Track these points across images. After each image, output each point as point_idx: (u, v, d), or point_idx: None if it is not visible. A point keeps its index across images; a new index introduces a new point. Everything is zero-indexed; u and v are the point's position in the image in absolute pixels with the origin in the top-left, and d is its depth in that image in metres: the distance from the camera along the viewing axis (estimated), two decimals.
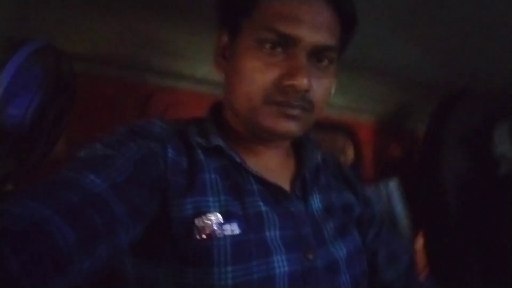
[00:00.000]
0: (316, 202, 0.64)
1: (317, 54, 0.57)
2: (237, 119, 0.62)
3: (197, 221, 0.50)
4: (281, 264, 0.53)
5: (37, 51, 0.81)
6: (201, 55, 1.21)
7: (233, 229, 0.51)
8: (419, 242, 1.61)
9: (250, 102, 0.57)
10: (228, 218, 0.52)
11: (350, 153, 1.75)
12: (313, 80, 0.56)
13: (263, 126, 0.57)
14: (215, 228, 0.50)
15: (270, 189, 0.59)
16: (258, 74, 0.56)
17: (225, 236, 0.50)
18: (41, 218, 0.35)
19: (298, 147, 0.70)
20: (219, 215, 0.52)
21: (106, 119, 1.09)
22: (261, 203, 0.57)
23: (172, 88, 1.25)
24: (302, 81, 0.53)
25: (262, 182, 0.59)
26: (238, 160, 0.59)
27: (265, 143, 0.64)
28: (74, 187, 0.41)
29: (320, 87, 0.58)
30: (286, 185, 0.62)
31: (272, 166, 0.64)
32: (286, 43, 0.55)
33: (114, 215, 0.42)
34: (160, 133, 0.56)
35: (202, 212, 0.51)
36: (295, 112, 0.56)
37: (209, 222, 0.51)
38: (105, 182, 0.44)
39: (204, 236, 0.50)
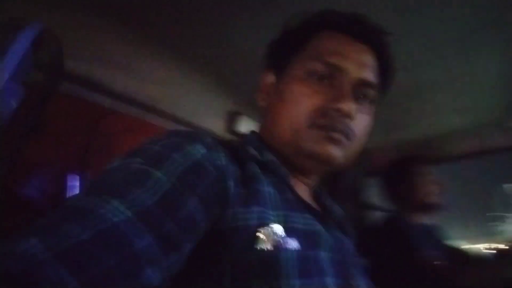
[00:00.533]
0: (351, 242, 0.66)
1: (359, 90, 0.61)
2: (278, 148, 0.63)
3: (262, 231, 0.48)
4: (332, 286, 0.52)
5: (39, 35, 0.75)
6: (168, 85, 1.27)
7: (294, 243, 0.50)
8: None
9: (295, 126, 0.59)
10: (289, 232, 0.50)
11: None
12: (357, 113, 0.59)
13: (306, 150, 0.58)
14: (280, 239, 0.48)
15: (316, 214, 0.60)
16: (305, 99, 0.59)
17: (289, 249, 0.48)
18: (40, 261, 0.30)
19: (316, 198, 0.71)
20: (281, 228, 0.50)
21: (56, 135, 1.00)
22: (316, 222, 0.57)
23: (126, 113, 1.22)
24: (347, 105, 0.56)
25: (308, 206, 0.60)
26: (289, 182, 0.59)
27: (304, 172, 0.64)
28: (87, 218, 0.35)
29: (362, 121, 0.61)
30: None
31: (306, 199, 0.64)
32: (333, 74, 0.59)
33: (134, 251, 0.35)
34: (210, 141, 0.53)
35: (265, 223, 0.49)
36: (338, 136, 0.58)
37: (275, 233, 0.49)
38: (130, 209, 0.37)
39: (270, 247, 0.47)
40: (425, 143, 1.92)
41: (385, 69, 0.67)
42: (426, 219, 1.60)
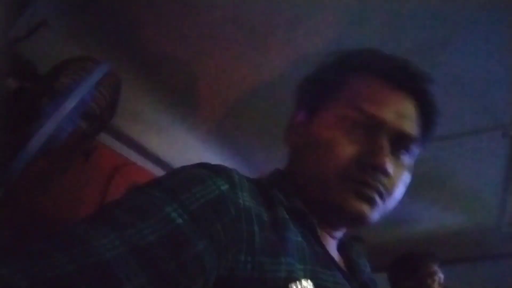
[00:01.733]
0: None
1: (398, 143, 0.55)
2: (304, 194, 0.57)
3: (292, 286, 0.42)
4: None
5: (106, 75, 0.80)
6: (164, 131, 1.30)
7: None
8: None
9: (325, 175, 0.53)
10: None
11: None
12: (394, 169, 0.54)
13: (335, 203, 0.53)
14: None
15: (343, 273, 0.54)
16: (337, 147, 0.53)
17: None
18: None
19: (343, 247, 0.65)
20: (312, 285, 0.44)
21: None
22: (346, 282, 0.51)
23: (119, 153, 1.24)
24: (384, 161, 0.51)
25: (336, 263, 0.55)
26: (318, 232, 0.54)
27: (329, 224, 0.59)
28: (78, 249, 0.32)
29: (398, 177, 0.56)
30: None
31: (332, 253, 0.58)
32: (370, 124, 0.54)
33: None
34: (236, 177, 0.47)
35: (295, 277, 0.43)
36: (372, 194, 0.52)
37: None
38: (126, 244, 0.33)
39: None
40: (424, 244, 1.92)
41: (427, 119, 0.61)
42: None
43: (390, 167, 0.52)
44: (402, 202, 1.67)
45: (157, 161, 1.37)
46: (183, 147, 1.39)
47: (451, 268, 1.90)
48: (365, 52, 0.62)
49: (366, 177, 0.52)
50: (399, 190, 0.57)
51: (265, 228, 0.45)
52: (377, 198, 0.53)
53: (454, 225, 1.85)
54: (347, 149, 0.53)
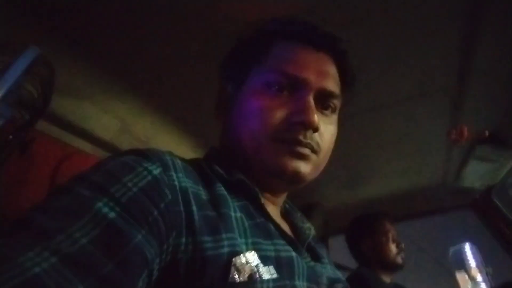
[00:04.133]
0: (324, 268, 0.61)
1: (322, 100, 0.58)
2: (241, 165, 0.58)
3: (235, 261, 0.42)
4: None
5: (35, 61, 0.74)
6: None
7: (271, 272, 0.45)
8: None
9: (258, 141, 0.55)
10: (263, 260, 0.45)
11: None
12: (321, 125, 0.56)
13: (271, 166, 0.54)
14: (255, 269, 0.43)
15: (288, 239, 0.55)
16: (266, 112, 0.55)
17: (266, 279, 0.43)
18: None
19: (285, 215, 0.67)
20: (257, 256, 0.45)
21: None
22: (289, 248, 0.52)
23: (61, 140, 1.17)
24: (312, 118, 0.53)
25: (280, 230, 0.55)
26: (262, 200, 0.55)
27: (271, 190, 0.60)
28: (4, 269, 0.28)
29: (326, 132, 0.58)
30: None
31: (276, 220, 0.58)
32: (294, 85, 0.56)
33: None
34: (168, 158, 0.47)
35: (237, 251, 0.43)
36: (305, 150, 0.54)
37: (249, 262, 0.43)
38: (57, 254, 0.31)
39: (245, 278, 0.42)
40: (377, 203, 2.03)
41: (346, 77, 0.65)
42: (388, 277, 1.64)
43: (317, 122, 0.54)
44: (355, 166, 1.72)
45: (108, 147, 1.31)
46: (136, 130, 1.34)
47: (404, 224, 2.03)
48: (283, 19, 0.63)
49: (297, 136, 0.54)
50: (329, 144, 0.60)
51: (203, 206, 0.45)
52: (310, 154, 0.55)
53: (405, 184, 1.96)
54: (275, 113, 0.55)
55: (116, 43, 0.95)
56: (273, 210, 0.60)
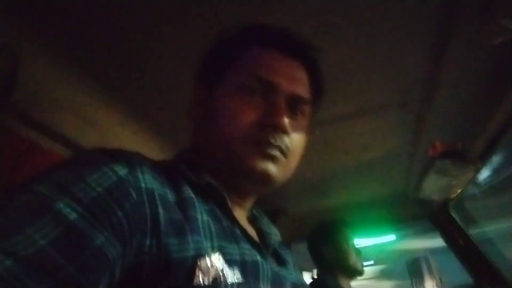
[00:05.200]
0: (288, 273, 0.62)
1: (292, 105, 0.60)
2: (212, 167, 0.58)
3: (200, 263, 0.42)
4: None
5: None
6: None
7: (236, 275, 0.45)
8: None
9: (228, 142, 0.55)
10: (228, 263, 0.45)
11: None
12: (291, 128, 0.57)
13: (241, 166, 0.55)
14: (220, 272, 0.43)
15: (253, 244, 0.56)
16: (238, 113, 0.56)
17: (230, 283, 0.43)
18: None
19: (253, 220, 0.68)
20: (222, 259, 0.45)
21: None
22: (255, 252, 0.53)
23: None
24: (282, 120, 0.55)
25: (246, 234, 0.56)
26: (229, 205, 0.55)
27: (240, 193, 0.60)
28: None
29: (296, 136, 0.60)
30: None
31: (243, 224, 0.59)
32: (266, 89, 0.57)
33: None
34: (136, 159, 0.47)
35: (203, 254, 0.43)
36: (274, 152, 0.55)
37: (214, 265, 0.43)
38: (12, 256, 0.30)
39: (209, 281, 0.42)
40: (340, 212, 2.07)
41: (316, 85, 0.66)
42: (348, 283, 1.68)
43: (287, 124, 0.56)
44: (321, 175, 1.74)
45: (71, 145, 1.26)
46: (102, 129, 1.30)
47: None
48: (256, 26, 0.65)
49: (267, 137, 0.55)
50: (298, 149, 0.61)
51: (170, 209, 0.45)
52: (280, 156, 0.56)
53: (367, 194, 2.01)
54: (247, 115, 0.56)
55: (84, 35, 0.92)
56: (240, 215, 0.61)
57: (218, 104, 0.59)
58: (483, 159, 1.50)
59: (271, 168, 0.55)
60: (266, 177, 0.56)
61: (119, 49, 0.96)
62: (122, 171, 0.42)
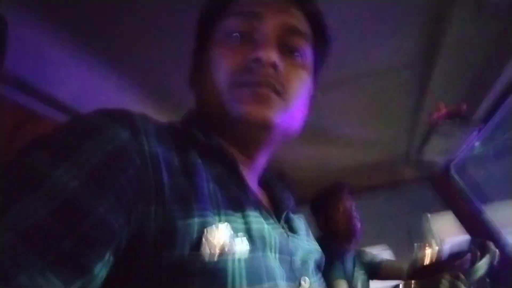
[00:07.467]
0: (300, 240, 0.60)
1: (286, 39, 0.54)
2: (213, 124, 0.55)
3: (207, 231, 0.40)
4: None
5: None
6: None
7: (244, 243, 0.43)
8: None
9: (218, 89, 0.52)
10: (235, 231, 0.44)
11: None
12: (286, 66, 0.53)
13: (232, 113, 0.51)
14: (228, 241, 0.41)
15: (263, 209, 0.53)
16: (225, 59, 0.53)
17: (239, 251, 0.42)
18: None
19: (267, 183, 0.65)
20: (229, 226, 0.43)
21: None
22: (262, 220, 0.50)
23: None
24: (266, 53, 0.50)
25: (257, 199, 0.53)
26: (239, 168, 0.52)
27: (244, 149, 0.57)
28: None
29: (294, 75, 0.54)
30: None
31: (253, 188, 0.56)
32: (253, 25, 0.53)
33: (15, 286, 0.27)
34: (139, 120, 0.43)
35: (209, 222, 0.41)
36: (265, 91, 0.50)
37: (221, 234, 0.41)
38: (12, 229, 0.29)
39: (217, 250, 0.40)
40: (340, 175, 2.08)
41: (316, 26, 0.60)
42: (349, 246, 1.73)
43: (274, 58, 0.50)
44: (323, 138, 1.72)
45: (68, 112, 1.25)
46: (99, 94, 1.28)
47: (367, 196, 2.11)
48: None
49: (256, 76, 0.50)
50: (298, 89, 0.55)
51: (175, 174, 0.43)
52: (272, 95, 0.51)
53: (368, 156, 2.01)
54: (234, 58, 0.52)
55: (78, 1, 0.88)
56: (250, 178, 0.58)
57: (210, 58, 0.56)
58: (486, 120, 1.49)
59: (264, 109, 0.50)
60: (260, 120, 0.50)
61: (115, 10, 0.92)
62: (124, 133, 0.39)
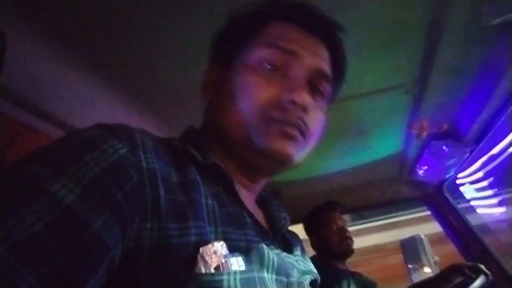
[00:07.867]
0: (296, 260, 0.60)
1: (315, 82, 0.56)
2: (224, 146, 0.55)
3: (202, 250, 0.40)
4: None
5: None
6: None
7: (239, 263, 0.42)
8: None
9: (246, 119, 0.52)
10: (232, 250, 0.43)
11: None
12: (311, 108, 0.54)
13: (260, 145, 0.51)
14: (223, 260, 0.41)
15: (260, 229, 0.54)
16: (257, 89, 0.52)
17: (233, 271, 0.41)
18: None
19: (263, 201, 0.66)
20: (225, 246, 0.42)
21: None
22: (259, 239, 0.50)
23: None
24: (302, 97, 0.52)
25: (253, 219, 0.54)
26: (236, 187, 0.52)
27: (252, 175, 0.57)
28: None
29: (316, 116, 0.56)
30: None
31: (250, 208, 0.56)
32: (288, 62, 0.54)
33: None
34: (137, 137, 0.43)
35: (205, 240, 0.41)
36: (294, 131, 0.52)
37: (217, 252, 0.41)
38: (5, 243, 0.28)
39: (212, 270, 0.39)
40: (335, 194, 2.08)
41: (338, 65, 0.63)
42: (342, 264, 1.72)
43: (308, 102, 0.53)
44: (316, 157, 1.72)
45: (63, 126, 1.24)
46: (94, 109, 1.28)
47: (360, 213, 2.11)
48: (276, 0, 0.62)
49: (287, 115, 0.51)
50: (317, 130, 0.57)
51: (172, 190, 0.42)
52: (299, 136, 0.53)
53: (362, 176, 2.02)
54: (267, 91, 0.52)
55: (73, 13, 0.89)
56: (248, 198, 0.58)
57: (235, 79, 0.55)
58: (477, 141, 1.51)
59: (290, 147, 0.52)
60: (284, 157, 0.52)
61: (110, 26, 0.93)
62: (122, 149, 0.39)
